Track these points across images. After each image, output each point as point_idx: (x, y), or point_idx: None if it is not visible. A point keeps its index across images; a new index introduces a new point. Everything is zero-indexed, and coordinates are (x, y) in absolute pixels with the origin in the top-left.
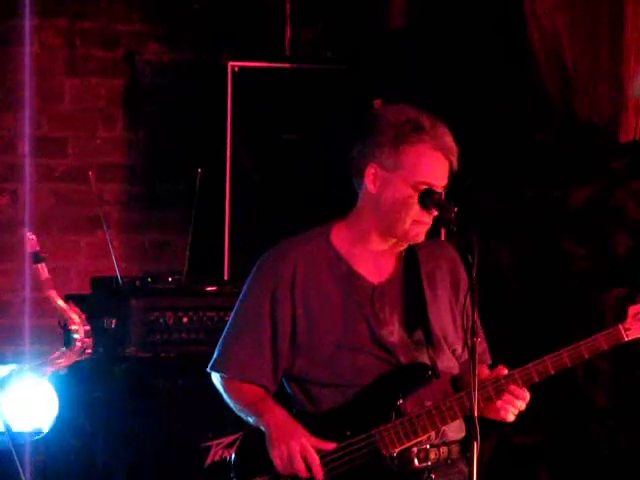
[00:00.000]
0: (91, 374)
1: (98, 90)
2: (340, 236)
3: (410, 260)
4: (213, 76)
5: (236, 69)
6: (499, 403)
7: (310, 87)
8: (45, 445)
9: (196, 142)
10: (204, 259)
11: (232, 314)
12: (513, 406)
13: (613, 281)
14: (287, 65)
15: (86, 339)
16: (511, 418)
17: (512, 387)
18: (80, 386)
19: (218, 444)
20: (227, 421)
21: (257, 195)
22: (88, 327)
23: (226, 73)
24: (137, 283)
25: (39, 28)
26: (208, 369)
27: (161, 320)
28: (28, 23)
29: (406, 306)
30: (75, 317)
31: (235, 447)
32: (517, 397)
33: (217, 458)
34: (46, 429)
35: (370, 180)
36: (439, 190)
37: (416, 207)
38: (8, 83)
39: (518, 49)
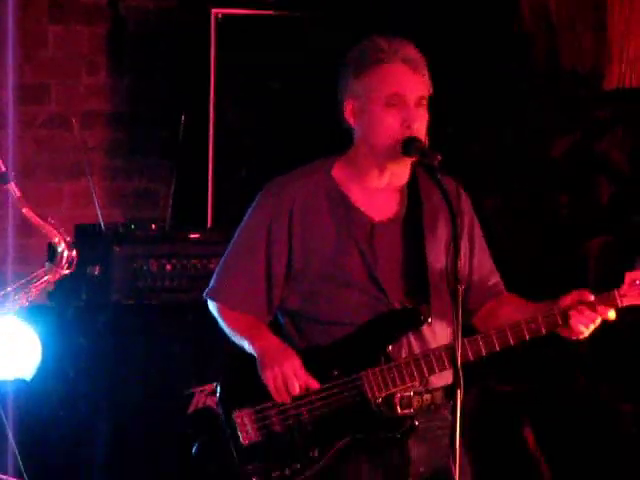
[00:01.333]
0: (74, 321)
1: (81, 37)
2: (341, 171)
3: (412, 198)
4: (197, 23)
5: (220, 16)
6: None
7: (294, 34)
8: (29, 392)
9: (180, 89)
10: (187, 206)
11: (231, 243)
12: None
13: (596, 229)
14: (271, 12)
15: (69, 251)
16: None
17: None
18: (63, 333)
19: (201, 391)
20: (210, 368)
21: (241, 142)
22: (69, 239)
23: (209, 20)
24: (120, 230)
25: None
26: (204, 295)
27: (144, 267)
28: None
29: (404, 246)
30: (54, 231)
31: (220, 379)
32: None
33: (200, 405)
34: (30, 376)
35: (350, 115)
36: (412, 100)
37: (394, 124)
38: None
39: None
